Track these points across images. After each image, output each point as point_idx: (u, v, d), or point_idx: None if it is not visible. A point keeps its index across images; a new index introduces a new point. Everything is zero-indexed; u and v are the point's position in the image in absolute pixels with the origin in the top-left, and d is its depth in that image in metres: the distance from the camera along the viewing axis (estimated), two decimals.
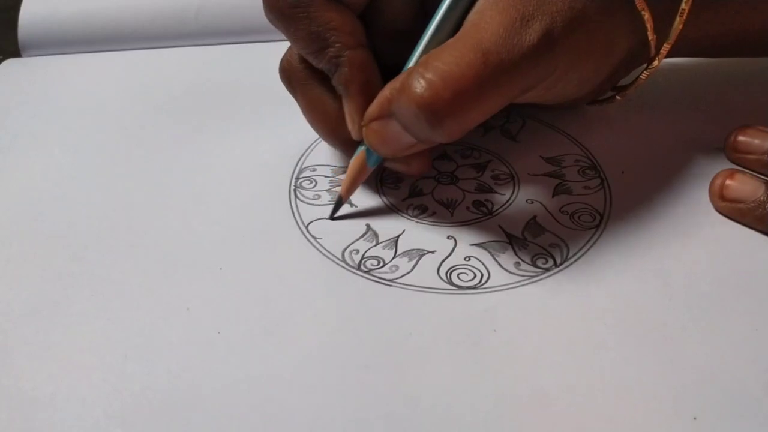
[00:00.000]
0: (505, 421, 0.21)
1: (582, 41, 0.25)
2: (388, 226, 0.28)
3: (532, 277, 0.26)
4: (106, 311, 0.25)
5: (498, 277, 0.26)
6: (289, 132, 0.33)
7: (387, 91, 0.25)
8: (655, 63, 0.29)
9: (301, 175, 0.31)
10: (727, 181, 0.28)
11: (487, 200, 0.30)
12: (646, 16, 0.27)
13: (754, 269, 0.26)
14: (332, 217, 0.29)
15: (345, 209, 0.29)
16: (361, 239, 0.28)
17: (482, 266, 0.27)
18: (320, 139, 0.32)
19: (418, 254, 0.27)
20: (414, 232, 0.28)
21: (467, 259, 0.27)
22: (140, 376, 0.23)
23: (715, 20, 0.30)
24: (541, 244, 0.27)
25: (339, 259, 0.27)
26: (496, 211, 0.29)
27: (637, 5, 0.27)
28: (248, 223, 0.29)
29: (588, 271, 0.26)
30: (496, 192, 0.30)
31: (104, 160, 0.32)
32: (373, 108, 0.26)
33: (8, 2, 0.42)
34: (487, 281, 0.26)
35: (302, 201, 0.30)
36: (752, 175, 0.28)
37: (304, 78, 0.29)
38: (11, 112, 0.36)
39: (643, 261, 0.27)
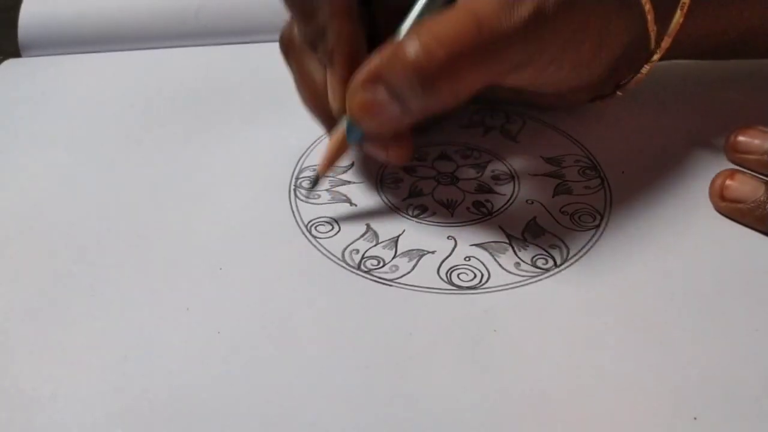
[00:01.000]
0: (505, 420, 0.21)
1: (574, 23, 0.25)
2: (388, 226, 0.28)
3: (532, 277, 0.26)
4: (106, 311, 0.25)
5: (498, 277, 0.26)
6: (289, 132, 0.33)
7: (376, 57, 0.24)
8: (656, 57, 0.29)
9: (301, 175, 0.31)
10: (727, 182, 0.28)
11: (487, 200, 0.30)
12: (647, 6, 0.27)
13: (754, 269, 0.26)
14: (310, 189, 0.30)
15: (345, 209, 0.29)
16: (361, 239, 0.28)
17: (482, 266, 0.27)
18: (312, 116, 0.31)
19: (418, 254, 0.27)
20: (414, 232, 0.28)
21: (467, 259, 0.27)
22: (140, 377, 0.23)
23: (715, 17, 0.30)
24: (541, 244, 0.27)
25: (339, 259, 0.27)
26: (496, 211, 0.29)
27: None
28: (248, 223, 0.29)
29: (588, 272, 0.26)
30: (496, 192, 0.30)
31: (104, 160, 0.32)
32: (360, 74, 0.25)
33: (8, 2, 0.42)
34: (487, 281, 0.26)
35: (302, 201, 0.30)
36: (752, 175, 0.28)
37: (300, 49, 0.29)
38: (11, 112, 0.36)
39: (644, 261, 0.27)
